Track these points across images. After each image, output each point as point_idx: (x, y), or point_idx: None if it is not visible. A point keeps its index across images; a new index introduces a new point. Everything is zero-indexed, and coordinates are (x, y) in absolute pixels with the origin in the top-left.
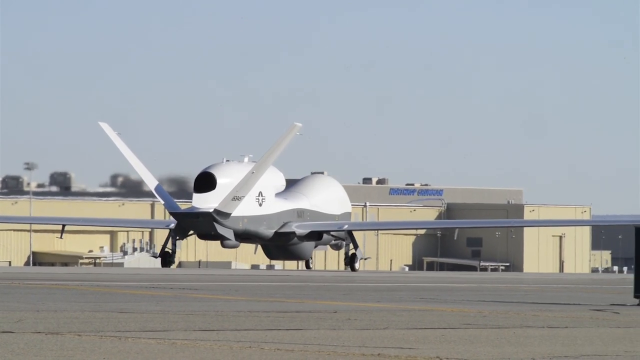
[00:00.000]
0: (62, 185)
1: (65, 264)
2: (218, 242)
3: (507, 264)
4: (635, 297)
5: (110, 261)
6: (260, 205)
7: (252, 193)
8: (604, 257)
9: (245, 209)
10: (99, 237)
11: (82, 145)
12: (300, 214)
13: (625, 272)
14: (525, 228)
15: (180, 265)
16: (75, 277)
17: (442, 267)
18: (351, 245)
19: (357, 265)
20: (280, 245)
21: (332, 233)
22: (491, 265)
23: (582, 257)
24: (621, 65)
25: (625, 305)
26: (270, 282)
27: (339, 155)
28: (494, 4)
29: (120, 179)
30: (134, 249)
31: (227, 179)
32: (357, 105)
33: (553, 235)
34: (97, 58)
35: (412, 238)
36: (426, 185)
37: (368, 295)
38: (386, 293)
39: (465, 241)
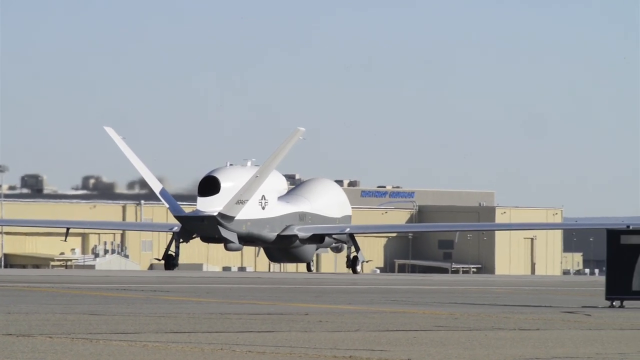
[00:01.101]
0: (33, 187)
1: (37, 266)
2: (190, 244)
3: (479, 266)
4: (607, 299)
5: (82, 263)
6: (263, 208)
7: (256, 196)
8: (576, 259)
9: (248, 212)
10: (71, 239)
11: (54, 148)
12: (302, 217)
13: (596, 274)
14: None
15: (151, 267)
16: (47, 280)
17: (414, 269)
18: (353, 248)
19: (358, 268)
20: (282, 248)
21: (333, 236)
22: (463, 268)
23: (553, 259)
24: (620, 65)
25: (597, 308)
26: (241, 284)
27: (310, 157)
28: (490, 4)
29: (92, 181)
30: (105, 251)
31: (230, 182)
32: (332, 106)
33: (524, 238)
34: (91, 59)
35: (384, 240)
36: (398, 187)
37: (340, 298)
38: (358, 295)
39: (437, 243)
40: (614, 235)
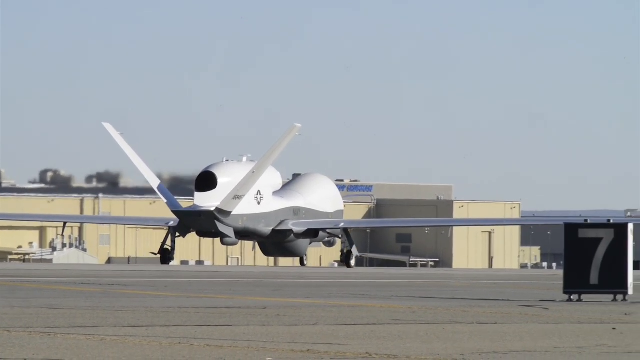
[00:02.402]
0: None
1: None
2: (148, 238)
3: (437, 260)
4: (565, 292)
5: (40, 257)
6: (259, 203)
7: (251, 192)
8: (533, 253)
9: (244, 208)
10: (28, 233)
11: (11, 141)
12: (296, 212)
13: (554, 268)
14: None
15: (109, 261)
16: (4, 273)
17: (372, 262)
18: (347, 243)
19: (352, 262)
20: (276, 242)
21: (327, 230)
22: (421, 261)
23: (511, 253)
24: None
25: (555, 301)
26: (200, 278)
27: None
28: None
29: (49, 175)
30: (63, 245)
31: (227, 178)
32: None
33: (482, 232)
34: (81, 54)
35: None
36: (356, 181)
37: (298, 291)
38: (315, 289)
39: (395, 237)
40: (572, 229)
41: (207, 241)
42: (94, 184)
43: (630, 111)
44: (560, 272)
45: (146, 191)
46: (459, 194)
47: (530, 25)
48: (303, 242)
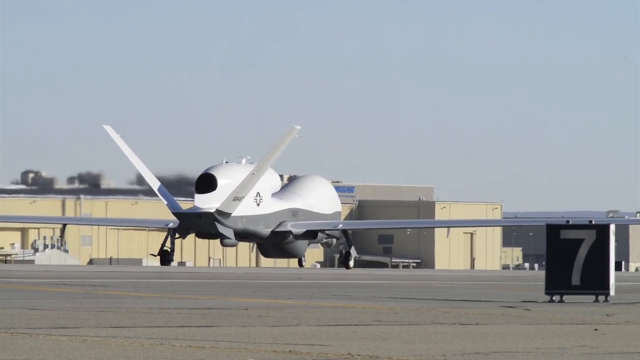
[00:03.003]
0: None
1: None
2: (130, 239)
3: (419, 261)
4: (547, 293)
5: (21, 258)
6: (258, 205)
7: (251, 193)
8: (515, 254)
9: (244, 209)
10: (10, 234)
11: None
12: (295, 213)
13: (536, 269)
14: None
15: (91, 262)
16: None
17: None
18: (345, 244)
19: (351, 263)
20: (275, 243)
21: (326, 232)
22: (402, 262)
23: (493, 254)
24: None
25: (537, 302)
26: (181, 279)
27: (251, 151)
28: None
29: (31, 176)
30: (45, 246)
31: (227, 179)
32: (279, 100)
33: (464, 232)
34: (81, 56)
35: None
36: (337, 182)
37: (279, 292)
38: (297, 290)
39: (377, 238)
40: (553, 230)
41: (188, 242)
42: (76, 185)
43: (612, 114)
44: (542, 273)
45: (128, 192)
46: (441, 195)
47: (529, 25)
48: (302, 244)
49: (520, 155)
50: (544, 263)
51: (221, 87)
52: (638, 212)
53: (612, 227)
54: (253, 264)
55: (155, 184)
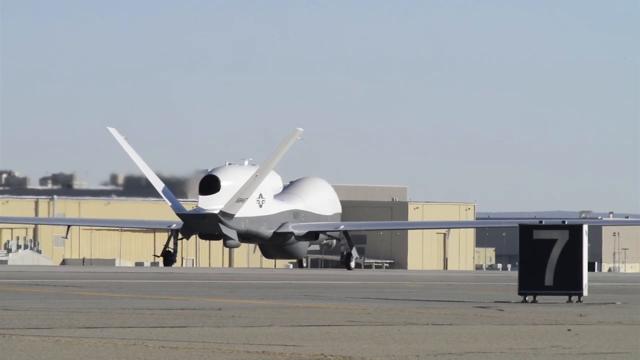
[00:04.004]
0: None
1: None
2: (103, 239)
3: (391, 261)
4: (520, 294)
5: None
6: (261, 206)
7: (253, 195)
8: (488, 254)
9: (246, 210)
10: None
11: None
12: (296, 214)
13: (509, 269)
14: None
15: (64, 262)
16: None
17: (327, 264)
18: (346, 245)
19: (352, 264)
20: (277, 244)
21: (327, 233)
22: (375, 263)
23: (466, 254)
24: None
25: (510, 303)
26: (154, 279)
27: (229, 152)
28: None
29: (4, 176)
30: (18, 247)
31: (230, 181)
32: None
33: (437, 233)
34: (85, 56)
35: None
36: None
37: (252, 293)
38: (271, 290)
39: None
40: (526, 230)
41: (161, 242)
42: (49, 186)
43: (583, 116)
44: (515, 274)
45: (100, 193)
46: (414, 196)
47: (519, 24)
48: (303, 245)
49: (493, 156)
50: (517, 263)
51: (220, 89)
52: (611, 213)
53: (585, 228)
54: (226, 264)
55: (159, 186)
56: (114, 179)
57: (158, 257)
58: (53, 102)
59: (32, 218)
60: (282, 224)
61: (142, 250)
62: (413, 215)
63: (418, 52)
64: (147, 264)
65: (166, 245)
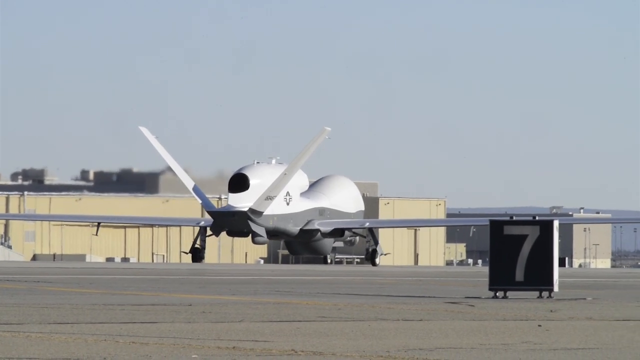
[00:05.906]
0: None
1: None
2: (73, 235)
3: (362, 257)
4: (490, 289)
5: None
6: (288, 204)
7: (281, 193)
8: (459, 250)
9: (275, 208)
10: None
11: None
12: (322, 212)
13: (480, 265)
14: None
15: (34, 258)
16: None
17: (298, 260)
18: (372, 242)
19: (377, 261)
20: (303, 241)
21: (353, 230)
22: (346, 258)
23: (436, 250)
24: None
25: (480, 298)
26: (125, 275)
27: (199, 150)
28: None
29: None
30: None
31: (258, 179)
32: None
33: (408, 228)
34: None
35: None
36: None
37: (223, 288)
38: (241, 286)
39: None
40: (497, 226)
41: (132, 237)
42: (19, 182)
43: (553, 113)
44: (486, 269)
45: (71, 188)
46: (384, 191)
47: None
48: (328, 241)
49: (464, 152)
50: (487, 259)
51: (221, 88)
52: (581, 209)
53: (556, 223)
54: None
55: (190, 184)
56: (84, 174)
57: (187, 253)
58: (32, 99)
59: (2, 214)
60: (308, 221)
61: (113, 245)
62: (384, 211)
63: (403, 51)
64: (117, 259)
65: (194, 242)
